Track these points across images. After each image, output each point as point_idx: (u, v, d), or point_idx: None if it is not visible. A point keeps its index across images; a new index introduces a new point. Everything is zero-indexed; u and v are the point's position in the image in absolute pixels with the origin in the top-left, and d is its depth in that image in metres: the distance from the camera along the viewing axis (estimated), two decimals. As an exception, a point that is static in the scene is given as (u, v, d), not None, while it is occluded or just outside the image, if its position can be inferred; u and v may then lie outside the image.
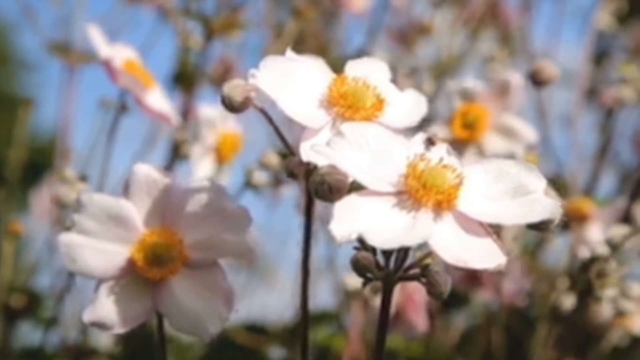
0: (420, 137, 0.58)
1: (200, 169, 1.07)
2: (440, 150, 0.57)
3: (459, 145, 0.90)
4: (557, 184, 1.20)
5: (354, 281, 0.92)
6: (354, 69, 0.64)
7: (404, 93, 0.66)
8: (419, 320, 0.96)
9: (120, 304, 0.60)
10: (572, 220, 1.11)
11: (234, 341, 1.36)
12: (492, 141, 0.92)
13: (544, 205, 0.55)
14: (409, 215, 0.54)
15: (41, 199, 1.64)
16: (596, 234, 1.12)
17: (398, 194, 0.55)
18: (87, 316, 0.60)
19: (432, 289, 0.56)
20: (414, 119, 0.63)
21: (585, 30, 1.67)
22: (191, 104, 1.33)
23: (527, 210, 0.55)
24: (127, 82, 0.92)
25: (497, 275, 1.13)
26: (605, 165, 1.48)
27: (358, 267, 0.57)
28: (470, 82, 0.94)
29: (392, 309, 0.94)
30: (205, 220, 0.61)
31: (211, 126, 1.07)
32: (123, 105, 0.96)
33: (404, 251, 0.56)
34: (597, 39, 1.71)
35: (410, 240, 0.52)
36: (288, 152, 0.62)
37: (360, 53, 1.51)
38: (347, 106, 0.61)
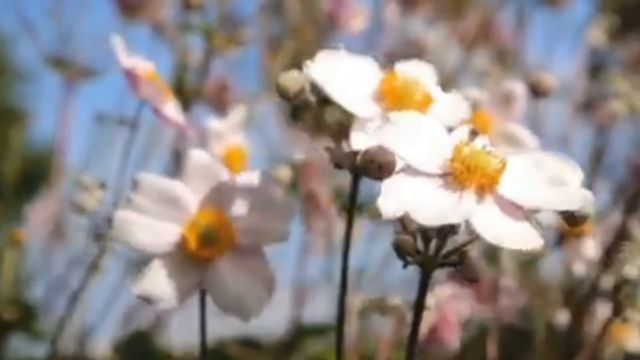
0: (465, 128, 0.61)
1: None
2: (484, 140, 0.60)
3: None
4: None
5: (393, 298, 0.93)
6: (403, 68, 0.67)
7: (448, 95, 0.68)
8: (452, 339, 0.98)
9: (169, 280, 0.63)
10: (566, 236, 1.12)
11: (229, 355, 1.36)
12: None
13: (579, 195, 0.57)
14: (454, 196, 0.56)
15: (37, 210, 1.64)
16: (591, 250, 1.13)
17: (444, 175, 0.57)
18: (136, 290, 0.63)
19: (468, 273, 0.59)
20: (457, 118, 0.66)
21: (580, 45, 1.69)
22: (188, 119, 1.33)
23: (564, 198, 0.57)
24: (150, 92, 0.93)
25: (492, 290, 1.14)
26: (599, 179, 1.49)
27: (399, 249, 0.59)
28: (474, 91, 0.95)
29: (427, 326, 0.96)
30: (255, 207, 0.64)
31: (219, 139, 1.08)
32: (134, 118, 0.96)
33: (443, 237, 0.58)
34: (592, 53, 1.72)
35: (454, 218, 0.55)
36: (335, 144, 0.64)
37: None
38: (396, 99, 0.64)
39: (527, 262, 1.25)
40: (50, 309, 1.39)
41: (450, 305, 0.90)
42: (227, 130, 1.08)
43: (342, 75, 0.64)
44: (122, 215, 0.63)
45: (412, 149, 0.57)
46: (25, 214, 1.67)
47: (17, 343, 1.38)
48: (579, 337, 1.08)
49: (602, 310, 1.03)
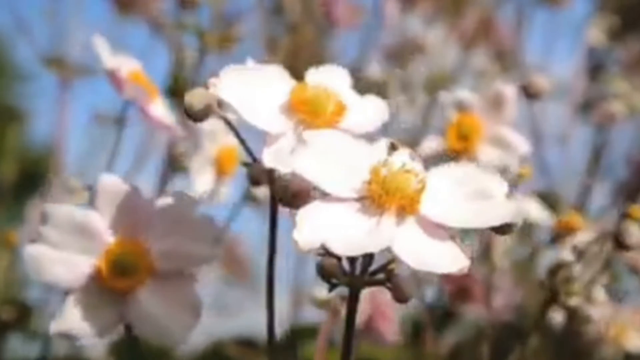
0: (383, 142, 0.59)
1: (200, 181, 1.07)
2: (403, 155, 0.57)
3: (453, 156, 0.90)
4: (549, 199, 1.20)
5: (323, 291, 0.92)
6: (314, 76, 0.65)
7: (364, 99, 0.66)
8: (388, 330, 0.96)
9: (87, 314, 0.59)
10: (562, 235, 1.11)
11: (225, 355, 1.36)
12: (486, 152, 0.92)
13: (504, 209, 0.55)
14: (372, 221, 0.54)
15: (36, 210, 1.63)
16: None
17: (361, 199, 0.55)
18: (54, 327, 0.59)
19: (397, 293, 0.56)
20: (375, 123, 0.64)
21: (579, 44, 1.68)
22: (184, 118, 1.33)
23: (488, 213, 0.55)
24: (133, 93, 0.92)
25: (487, 289, 1.13)
26: (598, 180, 1.48)
27: (323, 273, 0.57)
28: (465, 93, 0.94)
29: (363, 317, 0.95)
30: (172, 230, 0.61)
31: (212, 139, 1.07)
32: (120, 118, 0.96)
33: (368, 256, 0.56)
34: (592, 54, 1.72)
35: (373, 246, 0.53)
36: (252, 159, 0.63)
37: (354, 69, 1.52)
38: (308, 112, 0.62)
39: (522, 261, 1.25)
40: (46, 309, 1.39)
41: (384, 295, 0.87)
42: (221, 130, 1.06)
43: (250, 90, 0.62)
44: (33, 250, 0.59)
45: (326, 174, 0.55)
46: (24, 214, 1.67)
47: (14, 343, 1.38)
48: (573, 336, 1.07)
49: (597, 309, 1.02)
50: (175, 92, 1.37)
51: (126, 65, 0.93)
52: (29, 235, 0.60)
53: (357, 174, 0.55)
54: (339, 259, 0.57)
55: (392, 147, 0.58)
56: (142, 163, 1.42)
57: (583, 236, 0.85)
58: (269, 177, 0.61)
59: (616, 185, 1.52)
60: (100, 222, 0.60)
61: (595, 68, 1.75)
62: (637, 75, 1.63)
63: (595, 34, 1.59)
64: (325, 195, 0.55)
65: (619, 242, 0.78)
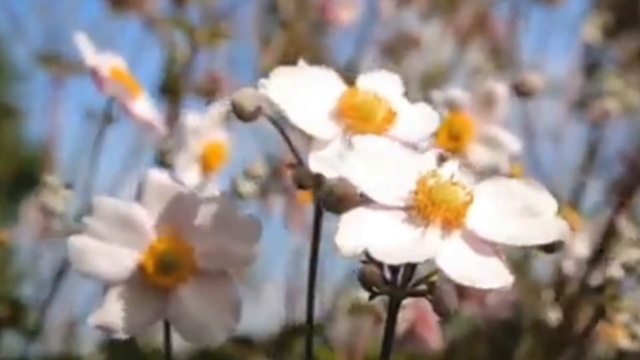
0: (433, 152, 0.58)
1: (186, 178, 1.07)
2: (452, 167, 0.57)
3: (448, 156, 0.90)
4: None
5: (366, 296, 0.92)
6: (365, 81, 0.64)
7: (415, 106, 0.65)
8: (431, 337, 0.96)
9: (128, 309, 0.60)
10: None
11: (220, 353, 1.35)
12: (477, 151, 0.92)
13: (554, 226, 0.54)
14: (417, 231, 0.53)
15: (30, 208, 1.63)
16: (581, 247, 1.12)
17: (407, 209, 0.54)
18: (94, 320, 0.60)
19: (438, 305, 0.55)
20: (426, 132, 0.63)
21: (574, 42, 1.68)
22: (177, 114, 1.33)
23: (536, 231, 0.54)
24: (114, 90, 0.92)
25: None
26: (592, 177, 1.48)
27: (365, 281, 0.56)
28: (456, 92, 0.94)
29: (405, 324, 0.95)
30: (216, 229, 0.61)
31: (197, 135, 1.06)
32: (108, 115, 0.95)
33: (411, 267, 0.56)
34: (588, 51, 1.72)
35: (416, 257, 0.52)
36: (298, 162, 0.62)
37: (350, 65, 1.52)
38: (357, 118, 0.61)
39: (518, 260, 1.25)
40: (40, 307, 1.39)
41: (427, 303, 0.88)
42: (207, 127, 1.06)
43: (300, 92, 0.61)
44: (77, 241, 0.60)
45: (373, 180, 0.54)
46: (18, 212, 1.67)
47: (8, 341, 1.38)
48: (569, 334, 1.07)
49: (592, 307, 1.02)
50: (167, 88, 1.37)
51: (108, 63, 0.92)
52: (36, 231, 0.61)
53: (404, 183, 0.55)
54: (381, 267, 0.56)
55: (442, 158, 0.57)
56: (136, 159, 1.42)
57: (633, 252, 0.84)
58: (315, 181, 0.61)
59: (610, 182, 1.52)
60: (146, 216, 0.61)
61: (590, 66, 1.75)
62: (632, 73, 1.62)
63: (591, 31, 1.58)
64: (370, 202, 0.54)
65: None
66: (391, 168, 0.56)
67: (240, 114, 0.61)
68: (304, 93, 0.62)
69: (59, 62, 1.50)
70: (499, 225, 0.54)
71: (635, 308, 0.85)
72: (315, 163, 0.59)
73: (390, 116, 0.62)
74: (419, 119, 0.64)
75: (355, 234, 0.52)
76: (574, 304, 1.06)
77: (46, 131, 1.62)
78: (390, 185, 0.55)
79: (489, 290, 0.52)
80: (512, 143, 0.91)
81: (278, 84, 0.61)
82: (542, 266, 1.31)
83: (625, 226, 0.98)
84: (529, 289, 1.24)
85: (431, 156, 0.58)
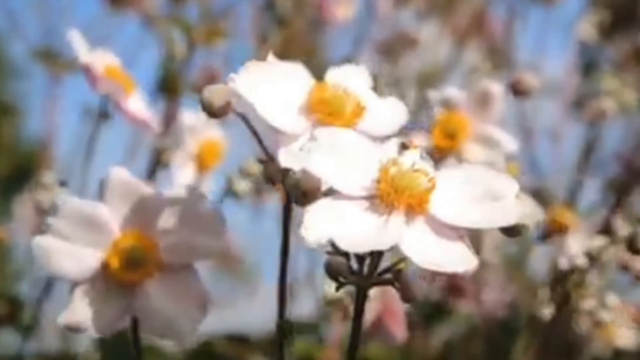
0: (394, 142, 0.58)
1: (182, 176, 1.07)
2: (414, 155, 0.57)
3: (440, 155, 0.90)
4: (539, 195, 1.20)
5: (333, 289, 0.92)
6: (334, 76, 0.64)
7: (384, 101, 0.65)
8: (398, 329, 0.96)
9: (95, 307, 0.60)
10: (552, 231, 1.11)
11: (216, 351, 1.36)
12: (472, 150, 0.92)
13: (514, 210, 0.55)
14: (381, 219, 0.54)
15: (24, 206, 1.63)
16: (576, 245, 1.12)
17: (370, 197, 0.55)
18: (63, 319, 0.60)
19: (404, 293, 0.56)
20: (394, 126, 0.63)
21: (571, 42, 1.68)
22: (175, 111, 1.33)
23: (498, 214, 0.55)
24: (107, 88, 0.92)
25: (479, 285, 1.13)
26: (588, 176, 1.48)
27: (331, 271, 0.57)
28: (452, 91, 0.94)
29: (371, 316, 0.95)
30: (180, 224, 0.61)
31: (193, 133, 1.06)
32: (103, 112, 0.95)
33: (377, 256, 0.56)
34: (585, 51, 1.72)
35: (381, 244, 0.52)
36: (267, 158, 0.62)
37: (346, 62, 1.52)
38: (326, 113, 0.61)
39: (514, 258, 1.25)
40: (37, 304, 1.39)
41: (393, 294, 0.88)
42: (202, 124, 1.06)
43: (270, 87, 0.62)
44: (42, 241, 0.60)
45: (337, 172, 0.55)
46: (14, 209, 1.67)
47: (6, 338, 1.38)
48: (565, 332, 1.07)
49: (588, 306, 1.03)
50: (165, 86, 1.37)
51: (102, 60, 0.93)
52: (31, 229, 0.61)
53: (367, 172, 0.55)
54: (347, 257, 0.56)
55: (403, 147, 0.58)
56: (133, 157, 1.42)
57: (596, 241, 0.84)
58: (284, 176, 0.60)
59: (607, 181, 1.53)
60: (109, 215, 0.61)
61: (587, 65, 1.75)
62: (628, 72, 1.63)
63: (587, 31, 1.59)
64: (335, 193, 0.55)
65: (633, 248, 0.78)
66: (354, 159, 0.56)
67: (209, 109, 0.61)
68: (273, 88, 0.62)
69: (57, 60, 1.50)
70: (462, 210, 0.55)
71: (600, 295, 0.85)
72: (285, 158, 0.59)
73: (359, 110, 0.62)
74: (387, 113, 0.64)
75: (320, 225, 0.53)
76: (570, 301, 1.06)
77: (43, 128, 1.63)
78: (353, 175, 0.55)
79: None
80: (509, 142, 0.91)
81: (247, 79, 0.61)
82: (538, 264, 1.31)
83: (621, 225, 0.98)
84: (525, 287, 1.25)
85: (393, 146, 0.58)
